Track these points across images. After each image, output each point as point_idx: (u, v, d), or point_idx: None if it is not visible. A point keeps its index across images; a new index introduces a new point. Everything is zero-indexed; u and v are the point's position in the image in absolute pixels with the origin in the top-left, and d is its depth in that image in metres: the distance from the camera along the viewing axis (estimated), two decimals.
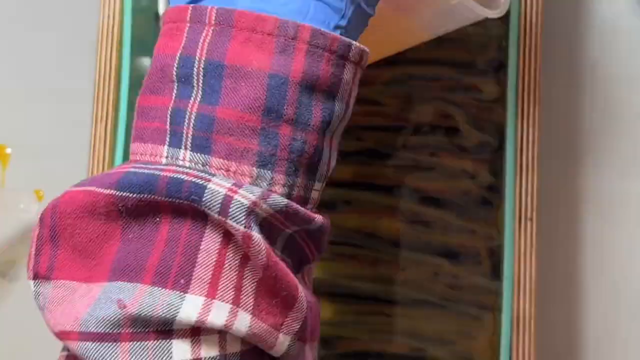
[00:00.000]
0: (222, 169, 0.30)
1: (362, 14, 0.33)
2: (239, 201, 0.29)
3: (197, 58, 0.30)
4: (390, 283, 0.47)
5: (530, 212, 0.44)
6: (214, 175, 0.29)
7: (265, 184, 0.30)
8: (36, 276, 0.30)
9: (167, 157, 0.30)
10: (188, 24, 0.31)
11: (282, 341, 0.30)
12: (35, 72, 0.55)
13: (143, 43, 0.48)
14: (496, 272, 0.46)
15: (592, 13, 0.52)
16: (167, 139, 0.30)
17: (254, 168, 0.30)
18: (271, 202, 0.30)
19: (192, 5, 0.31)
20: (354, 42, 0.31)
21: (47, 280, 0.30)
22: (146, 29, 0.48)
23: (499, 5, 0.40)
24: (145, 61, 0.48)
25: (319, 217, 0.32)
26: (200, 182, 0.29)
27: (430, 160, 0.47)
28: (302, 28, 0.30)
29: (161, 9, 0.49)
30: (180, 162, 0.30)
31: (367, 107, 0.47)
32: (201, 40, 0.30)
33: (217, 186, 0.29)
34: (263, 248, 0.29)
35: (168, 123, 0.30)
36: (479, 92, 0.47)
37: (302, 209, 0.31)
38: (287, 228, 0.31)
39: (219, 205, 0.29)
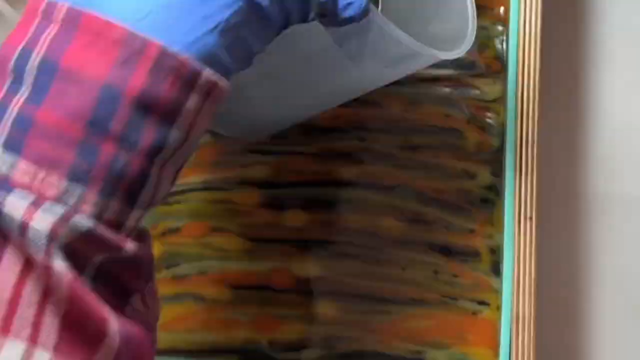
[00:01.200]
0: (28, 175, 0.27)
1: (243, 46, 0.30)
2: (35, 228, 0.27)
3: (34, 54, 0.28)
4: (389, 282, 0.47)
5: (530, 212, 0.44)
6: (11, 190, 0.27)
7: (72, 199, 0.28)
8: None
9: None
10: (38, 18, 0.29)
11: None
12: None
13: None
14: (496, 271, 0.46)
15: (592, 12, 0.52)
16: None
17: (64, 181, 0.28)
18: (73, 224, 0.27)
19: (56, 2, 0.29)
20: (205, 71, 0.29)
21: None
22: None
23: (459, 46, 0.38)
24: None
25: (130, 246, 0.29)
26: None
27: (431, 160, 0.47)
28: (151, 44, 0.28)
29: None
30: None
31: (367, 108, 0.47)
32: (44, 36, 0.28)
33: (14, 209, 0.27)
34: (64, 280, 0.27)
35: None
36: (479, 92, 0.47)
37: (110, 235, 0.28)
38: (94, 255, 0.28)
39: (17, 229, 0.27)
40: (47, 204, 0.27)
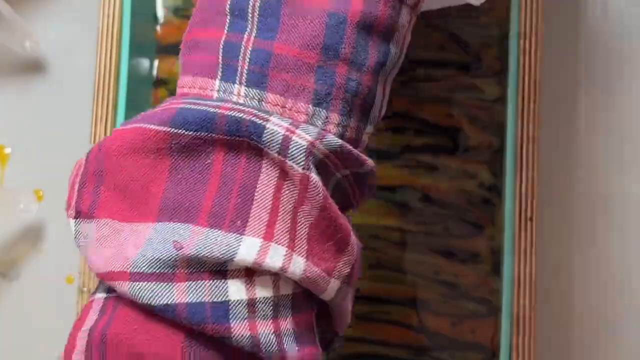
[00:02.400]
0: (278, 106, 0.30)
1: None
2: (297, 142, 0.28)
3: None
4: (391, 282, 0.47)
5: (530, 212, 0.44)
6: (271, 114, 0.29)
7: (320, 122, 0.30)
8: (78, 215, 0.29)
9: (219, 90, 0.30)
10: None
11: (333, 286, 0.30)
12: (36, 71, 0.55)
13: (142, 43, 0.48)
14: (497, 271, 0.46)
15: (592, 12, 0.52)
16: (220, 73, 0.30)
17: (310, 106, 0.30)
18: (327, 142, 0.29)
19: None
20: None
21: (90, 219, 0.29)
22: (145, 30, 0.48)
23: None
24: (145, 62, 0.48)
25: (370, 161, 0.31)
26: (259, 122, 0.28)
27: (432, 160, 0.47)
28: None
29: (160, 10, 0.49)
30: (234, 97, 0.30)
31: None
32: None
33: (276, 126, 0.28)
34: (321, 190, 0.29)
35: (220, 56, 0.30)
36: (480, 92, 0.47)
37: (355, 150, 0.30)
38: (339, 171, 0.30)
39: (279, 145, 0.28)
40: (302, 125, 0.29)
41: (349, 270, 0.30)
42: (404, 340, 0.46)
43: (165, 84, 0.49)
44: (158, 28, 0.49)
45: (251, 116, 0.28)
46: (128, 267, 0.28)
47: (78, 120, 0.52)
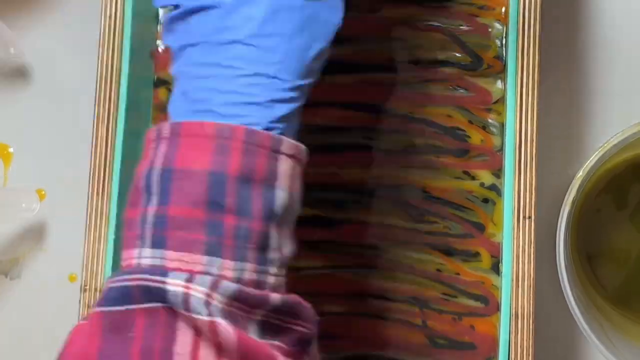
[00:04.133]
0: (177, 261, 0.33)
1: (303, 95, 0.36)
2: (195, 295, 0.32)
3: (156, 168, 0.34)
4: (392, 280, 0.47)
5: (529, 211, 0.44)
6: (167, 274, 0.32)
7: (215, 270, 0.33)
8: None
9: (135, 258, 0.34)
10: (153, 142, 0.35)
11: None
12: (37, 71, 0.55)
13: (143, 44, 0.48)
14: (496, 270, 0.46)
15: (592, 12, 0.53)
16: (138, 242, 0.34)
17: (204, 256, 0.33)
18: (223, 289, 0.32)
19: (155, 126, 0.35)
20: (284, 139, 0.35)
21: None
22: (147, 31, 0.49)
23: None
24: (145, 62, 0.49)
25: (274, 296, 0.34)
26: (161, 285, 0.32)
27: (434, 160, 0.47)
28: (237, 129, 0.34)
29: (161, 11, 0.49)
30: (143, 260, 0.33)
31: (372, 110, 0.48)
32: (160, 152, 0.34)
33: (174, 285, 0.32)
34: (231, 330, 0.31)
35: (139, 228, 0.34)
36: (480, 92, 0.47)
37: (254, 291, 0.33)
38: (250, 313, 0.33)
39: (182, 302, 0.32)
40: (198, 278, 0.32)
41: None
42: (405, 337, 0.47)
43: (166, 84, 0.49)
44: (159, 28, 0.49)
45: (153, 282, 0.32)
46: None
47: (80, 120, 0.52)
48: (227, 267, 0.33)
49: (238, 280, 0.33)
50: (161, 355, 0.31)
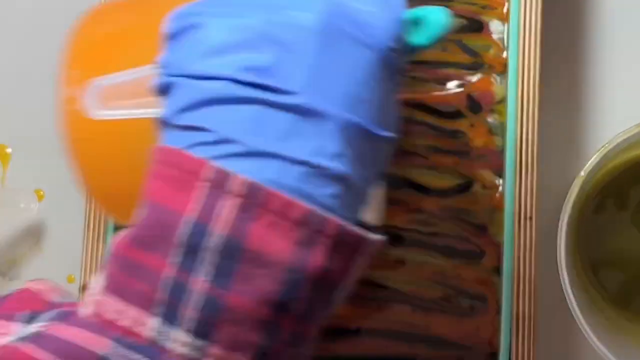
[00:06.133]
0: (219, 359, 0.28)
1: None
2: None
3: (211, 229, 0.27)
4: (393, 281, 0.47)
5: (530, 211, 0.44)
6: None
7: None
8: None
9: (154, 330, 0.27)
10: (206, 184, 0.28)
11: None
12: (37, 71, 0.55)
13: None
14: (497, 270, 0.46)
15: (593, 12, 0.52)
16: (160, 311, 0.27)
17: None
18: None
19: (210, 162, 0.28)
20: (369, 239, 0.29)
21: None
22: None
23: None
24: None
25: None
26: None
27: (433, 160, 0.47)
28: (330, 222, 0.28)
29: None
30: (169, 343, 0.27)
31: None
32: (220, 211, 0.27)
33: None
34: None
35: (162, 292, 0.27)
36: (481, 92, 0.47)
37: None
38: None
39: None
40: None
41: None
42: (405, 338, 0.46)
43: None
44: None
45: None
46: None
47: None
48: None
49: None
50: None
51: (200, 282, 0.27)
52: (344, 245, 0.29)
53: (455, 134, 0.47)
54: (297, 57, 0.29)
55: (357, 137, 0.29)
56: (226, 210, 0.27)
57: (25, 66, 0.55)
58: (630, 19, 0.52)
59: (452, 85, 0.47)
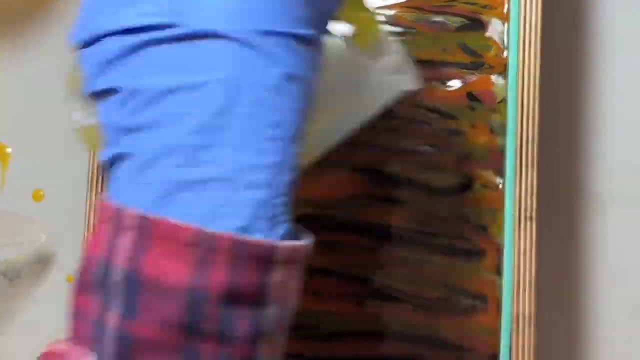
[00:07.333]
0: None
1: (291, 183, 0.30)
2: None
3: (117, 267, 0.28)
4: (393, 280, 0.47)
5: (530, 211, 0.44)
6: None
7: None
8: None
9: None
10: (109, 224, 0.29)
11: None
12: (38, 71, 0.55)
13: None
14: (498, 270, 0.46)
15: (592, 12, 0.53)
16: (95, 346, 0.29)
17: None
18: None
19: (109, 202, 0.29)
20: (279, 245, 0.29)
21: None
22: None
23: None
24: None
25: None
26: None
27: (434, 160, 0.47)
28: (221, 238, 0.28)
29: None
30: None
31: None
32: (121, 246, 0.28)
33: None
34: None
35: (92, 331, 0.29)
36: (482, 92, 0.47)
37: None
38: None
39: None
40: None
41: None
42: (405, 338, 0.46)
43: None
44: None
45: None
46: None
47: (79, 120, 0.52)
48: None
49: None
50: None
51: (113, 317, 0.28)
52: (249, 258, 0.28)
53: (455, 133, 0.47)
54: None
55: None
56: (124, 244, 0.28)
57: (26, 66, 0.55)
58: (630, 19, 0.52)
59: (452, 85, 0.47)
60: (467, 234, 0.47)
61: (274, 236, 0.29)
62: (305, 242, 0.30)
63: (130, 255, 0.28)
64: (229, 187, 0.29)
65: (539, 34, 0.45)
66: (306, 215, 0.47)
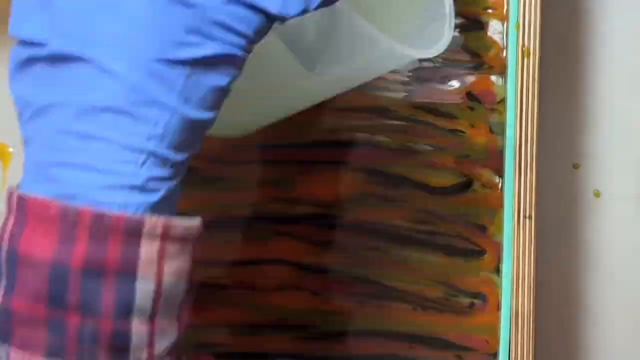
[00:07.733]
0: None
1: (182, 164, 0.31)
2: None
3: (3, 246, 0.30)
4: (393, 280, 0.47)
5: (529, 210, 0.44)
6: None
7: None
8: None
9: None
10: (6, 209, 0.31)
11: None
12: None
13: None
14: (497, 269, 0.46)
15: (592, 12, 0.53)
16: None
17: (45, 359, 0.29)
18: None
19: (9, 188, 0.31)
20: (147, 219, 0.29)
21: None
22: None
23: (435, 44, 0.37)
24: None
25: None
26: None
27: (434, 160, 0.47)
28: (83, 213, 0.29)
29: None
30: None
31: (375, 112, 0.48)
32: (8, 227, 0.30)
33: None
34: None
35: None
36: (482, 92, 0.47)
37: None
38: None
39: None
40: None
41: None
42: (405, 338, 0.47)
43: None
44: None
45: None
46: None
47: None
48: None
49: None
50: None
51: (1, 294, 0.30)
52: (111, 232, 0.29)
53: (455, 133, 0.47)
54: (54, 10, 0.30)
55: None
56: (9, 225, 0.30)
57: None
58: (630, 19, 0.52)
59: (452, 85, 0.47)
60: (467, 233, 0.47)
61: (144, 211, 0.29)
62: (186, 221, 0.30)
63: (11, 233, 0.30)
64: (101, 158, 0.30)
65: (538, 34, 0.45)
66: (306, 215, 0.47)
